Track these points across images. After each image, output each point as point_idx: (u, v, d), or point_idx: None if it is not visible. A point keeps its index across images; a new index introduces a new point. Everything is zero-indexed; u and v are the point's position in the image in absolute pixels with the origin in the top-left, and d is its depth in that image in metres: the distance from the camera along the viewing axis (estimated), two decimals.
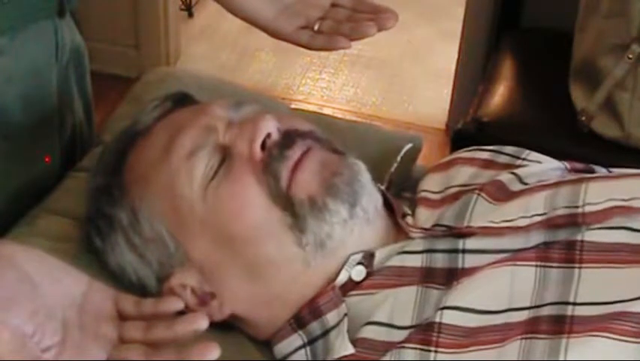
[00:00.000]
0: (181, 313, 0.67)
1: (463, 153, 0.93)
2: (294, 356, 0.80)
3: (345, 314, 0.77)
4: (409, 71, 2.76)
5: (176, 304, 0.67)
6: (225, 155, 0.81)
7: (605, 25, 1.52)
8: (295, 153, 0.80)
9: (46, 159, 1.02)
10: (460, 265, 0.77)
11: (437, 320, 0.72)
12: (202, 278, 0.81)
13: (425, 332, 0.73)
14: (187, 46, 2.74)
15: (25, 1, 0.92)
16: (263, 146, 0.81)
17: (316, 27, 0.90)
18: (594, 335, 0.68)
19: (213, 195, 0.80)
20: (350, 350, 0.75)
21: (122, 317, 0.68)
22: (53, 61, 1.00)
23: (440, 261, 0.78)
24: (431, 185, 0.89)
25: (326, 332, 0.78)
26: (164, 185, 0.82)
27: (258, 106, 0.89)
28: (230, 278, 0.81)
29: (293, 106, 1.83)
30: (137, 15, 2.56)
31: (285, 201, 0.79)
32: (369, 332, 0.76)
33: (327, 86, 2.69)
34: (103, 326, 0.66)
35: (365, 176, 0.82)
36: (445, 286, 0.76)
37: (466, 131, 1.65)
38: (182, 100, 0.92)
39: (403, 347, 0.73)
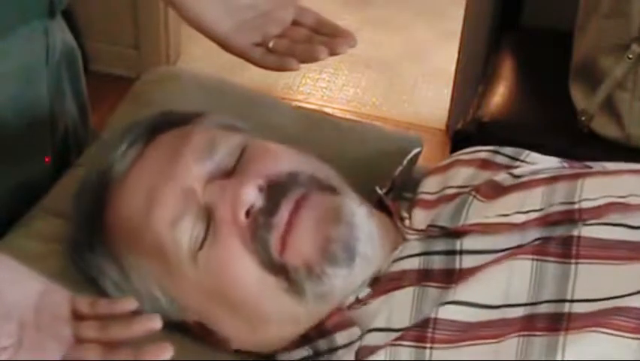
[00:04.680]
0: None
1: (462, 155, 0.92)
2: None
3: (359, 337, 0.76)
4: (409, 71, 2.76)
5: (130, 305, 0.67)
6: (209, 219, 0.78)
7: (605, 25, 1.52)
8: (282, 218, 0.77)
9: (46, 159, 1.02)
10: (457, 266, 0.77)
11: (432, 315, 0.73)
12: (202, 320, 0.81)
13: (420, 328, 0.73)
14: (187, 46, 2.74)
15: (15, 1, 0.91)
16: (247, 212, 0.77)
17: (271, 44, 0.88)
18: (591, 331, 0.68)
19: (203, 262, 0.78)
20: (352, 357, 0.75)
21: (78, 318, 0.68)
22: (44, 62, 1.00)
23: (437, 262, 0.78)
24: (429, 186, 0.89)
25: (333, 349, 0.78)
26: (150, 249, 0.80)
27: (238, 138, 0.84)
28: (229, 327, 0.81)
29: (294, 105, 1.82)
30: (137, 15, 2.56)
31: (279, 268, 0.77)
32: (370, 339, 0.76)
33: (327, 86, 2.69)
34: (60, 327, 0.67)
35: (362, 224, 0.79)
36: (443, 285, 0.76)
37: (466, 132, 1.65)
38: (159, 126, 0.87)
39: (399, 344, 0.73)
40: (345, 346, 0.77)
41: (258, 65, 0.89)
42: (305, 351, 0.80)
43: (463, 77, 2.29)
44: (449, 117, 2.43)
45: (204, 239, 0.78)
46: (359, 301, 0.79)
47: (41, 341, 0.66)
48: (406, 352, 0.72)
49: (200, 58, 2.70)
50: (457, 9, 2.36)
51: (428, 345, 0.72)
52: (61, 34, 1.03)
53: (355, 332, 0.77)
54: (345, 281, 0.78)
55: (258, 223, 0.77)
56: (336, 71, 2.75)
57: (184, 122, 0.88)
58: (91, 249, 0.84)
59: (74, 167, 1.02)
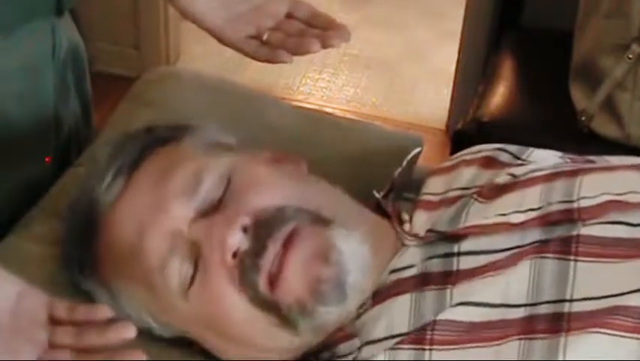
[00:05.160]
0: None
1: (466, 155, 0.92)
2: None
3: (358, 348, 0.76)
4: (409, 71, 2.76)
5: (106, 312, 0.68)
6: (197, 256, 0.78)
7: (605, 25, 1.52)
8: (269, 260, 0.76)
9: (46, 159, 1.02)
10: (455, 268, 0.77)
11: (431, 317, 0.73)
12: (198, 339, 0.82)
13: (419, 331, 0.73)
14: (187, 46, 2.74)
15: (22, 0, 0.91)
16: (235, 254, 0.77)
17: (265, 37, 0.88)
18: (592, 332, 0.68)
19: (194, 298, 0.78)
20: None
21: (54, 323, 0.69)
22: (50, 60, 1.00)
23: (435, 266, 0.78)
24: (433, 187, 0.88)
25: (335, 358, 0.78)
26: (141, 282, 0.80)
27: (223, 166, 0.82)
28: (226, 351, 0.81)
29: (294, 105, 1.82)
30: (137, 15, 2.56)
31: (270, 305, 0.76)
32: (371, 350, 0.75)
33: (327, 86, 2.69)
34: (35, 331, 0.68)
35: (354, 255, 0.77)
36: (440, 287, 0.75)
37: (466, 132, 1.65)
38: (145, 148, 0.85)
39: (398, 348, 0.73)
40: (345, 356, 0.77)
41: (252, 57, 0.89)
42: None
43: (463, 77, 2.29)
44: (449, 117, 2.43)
45: (193, 276, 0.78)
46: (359, 313, 0.78)
47: (16, 344, 0.67)
48: (405, 354, 0.72)
49: (200, 58, 2.70)
50: (457, 9, 2.37)
51: (427, 347, 0.72)
52: (68, 32, 1.03)
53: (355, 343, 0.77)
54: (339, 315, 0.77)
55: (245, 265, 0.76)
56: (336, 71, 2.75)
57: (170, 139, 0.86)
58: (81, 271, 0.84)
59: (74, 166, 1.02)
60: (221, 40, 0.91)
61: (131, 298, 0.81)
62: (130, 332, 0.66)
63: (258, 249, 0.76)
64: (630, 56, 1.47)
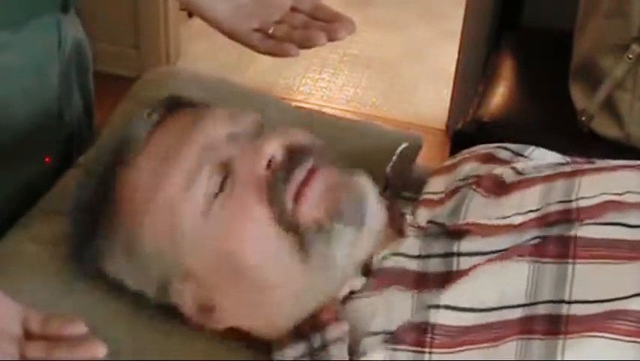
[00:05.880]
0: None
1: (467, 154, 0.93)
2: None
3: (349, 330, 0.76)
4: (409, 71, 2.76)
5: (80, 328, 0.69)
6: (227, 173, 0.80)
7: (605, 25, 1.52)
8: (300, 175, 0.79)
9: (46, 159, 1.02)
10: (455, 268, 0.77)
11: (431, 320, 0.72)
12: (202, 292, 0.81)
13: (419, 333, 0.72)
14: (187, 46, 2.74)
15: None
16: (268, 165, 0.79)
17: (271, 31, 0.89)
18: (591, 336, 0.68)
19: (216, 215, 0.78)
20: (345, 357, 0.74)
21: (27, 336, 0.69)
22: (55, 56, 1.00)
23: (435, 265, 0.78)
24: (434, 187, 0.89)
25: (325, 345, 0.77)
26: (163, 205, 0.80)
27: (256, 115, 0.87)
28: (231, 293, 0.80)
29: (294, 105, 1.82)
30: (137, 15, 2.56)
31: (291, 224, 0.78)
32: (368, 344, 0.75)
33: (327, 86, 2.69)
34: (5, 343, 0.68)
35: (371, 195, 0.81)
36: (440, 288, 0.75)
37: (466, 132, 1.65)
38: (175, 105, 0.88)
39: (397, 349, 0.72)
40: (337, 340, 0.76)
41: (258, 51, 0.90)
42: (298, 350, 0.79)
43: (463, 77, 2.30)
44: (449, 117, 2.43)
45: (218, 193, 0.79)
46: (352, 293, 0.79)
47: None
48: (404, 356, 0.72)
49: (200, 58, 2.70)
50: (457, 9, 2.37)
51: (427, 350, 0.72)
52: (73, 29, 1.03)
53: (344, 327, 0.76)
54: (350, 246, 0.78)
55: (277, 177, 0.79)
56: (336, 71, 2.75)
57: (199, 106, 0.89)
58: (99, 215, 0.83)
59: (75, 167, 1.02)
60: (226, 34, 0.91)
61: (152, 230, 0.80)
62: (100, 351, 0.67)
63: (291, 163, 0.80)
64: (630, 56, 1.47)
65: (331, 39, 0.86)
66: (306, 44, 0.86)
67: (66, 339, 0.68)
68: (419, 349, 0.72)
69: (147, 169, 0.82)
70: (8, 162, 0.96)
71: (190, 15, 2.96)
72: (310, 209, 0.78)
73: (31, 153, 0.99)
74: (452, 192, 0.85)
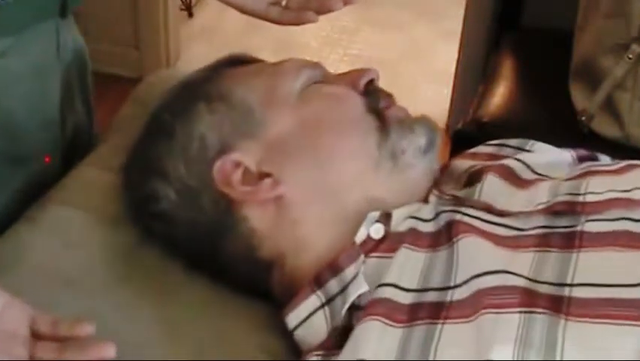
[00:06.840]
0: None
1: (465, 154, 0.93)
2: (312, 319, 0.78)
3: (363, 262, 0.77)
4: (408, 71, 2.76)
5: (89, 329, 0.69)
6: (330, 81, 0.89)
7: (605, 25, 1.52)
8: (385, 102, 0.89)
9: (46, 160, 1.02)
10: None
11: (447, 298, 0.72)
12: (265, 157, 0.83)
13: (434, 307, 0.72)
14: (187, 46, 2.74)
15: (29, 1, 0.92)
16: (365, 88, 0.89)
17: (284, 3, 0.93)
18: (594, 323, 0.67)
19: (314, 89, 0.87)
20: (365, 287, 0.74)
21: (36, 337, 0.69)
22: (55, 61, 1.00)
23: (444, 219, 0.79)
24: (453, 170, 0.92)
25: (344, 288, 0.77)
26: (267, 73, 0.88)
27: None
28: (298, 160, 0.83)
29: None
30: (137, 15, 2.56)
31: (378, 113, 0.86)
32: (378, 294, 0.74)
33: None
34: (15, 345, 0.68)
35: (439, 135, 0.90)
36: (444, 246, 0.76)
37: (466, 131, 1.65)
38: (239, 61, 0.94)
39: (413, 325, 0.71)
40: (354, 278, 0.76)
41: (277, 23, 0.93)
42: (318, 300, 0.78)
43: (463, 77, 2.30)
44: (449, 117, 2.43)
45: (321, 81, 0.88)
46: (372, 244, 0.79)
47: None
48: (419, 330, 0.71)
49: (200, 58, 2.69)
50: (457, 9, 2.37)
51: (441, 321, 0.70)
52: (71, 33, 1.03)
53: (360, 262, 0.77)
54: (414, 157, 0.85)
55: (371, 94, 0.89)
56: (336, 70, 2.74)
57: None
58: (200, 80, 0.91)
59: (77, 168, 1.02)
60: (242, 10, 0.94)
61: (247, 86, 0.87)
62: (110, 352, 0.67)
63: (383, 93, 0.91)
64: (630, 56, 1.47)
65: (346, 3, 0.91)
66: (322, 10, 0.91)
67: (76, 340, 0.68)
68: (433, 321, 0.70)
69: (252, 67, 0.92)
70: (11, 165, 0.96)
71: (190, 15, 2.97)
72: (398, 114, 0.88)
73: (33, 156, 1.00)
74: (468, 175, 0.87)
